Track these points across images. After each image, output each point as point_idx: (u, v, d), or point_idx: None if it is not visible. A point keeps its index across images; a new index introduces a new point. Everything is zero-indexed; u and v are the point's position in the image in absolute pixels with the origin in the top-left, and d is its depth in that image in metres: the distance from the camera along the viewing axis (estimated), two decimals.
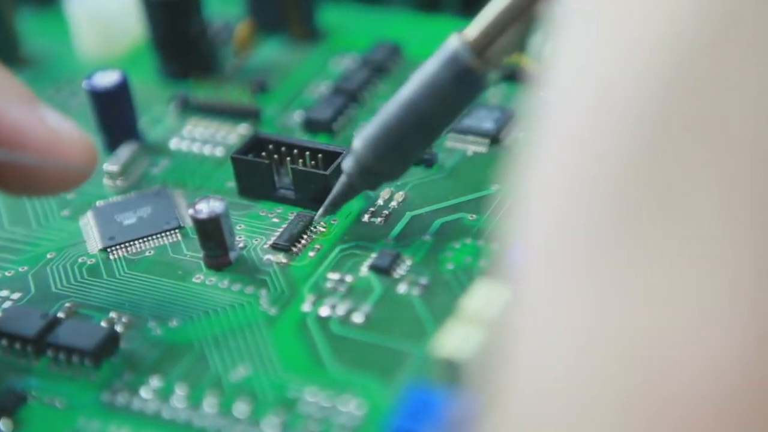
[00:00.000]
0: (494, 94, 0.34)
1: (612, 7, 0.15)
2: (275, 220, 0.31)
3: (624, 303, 0.14)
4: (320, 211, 0.29)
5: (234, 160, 0.31)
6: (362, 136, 0.28)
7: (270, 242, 0.30)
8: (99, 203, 0.32)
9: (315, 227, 0.30)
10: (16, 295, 0.29)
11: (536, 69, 0.16)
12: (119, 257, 0.30)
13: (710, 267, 0.13)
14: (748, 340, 0.13)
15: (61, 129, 0.26)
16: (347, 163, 0.28)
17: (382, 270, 0.28)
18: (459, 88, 0.27)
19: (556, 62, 0.16)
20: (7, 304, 0.28)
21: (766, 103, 0.13)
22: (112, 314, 0.28)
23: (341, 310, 0.27)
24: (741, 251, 0.13)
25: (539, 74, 0.16)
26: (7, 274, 0.30)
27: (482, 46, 0.26)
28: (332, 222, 0.30)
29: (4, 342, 0.27)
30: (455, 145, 0.32)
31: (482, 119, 0.33)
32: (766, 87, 0.13)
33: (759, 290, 0.13)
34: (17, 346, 0.27)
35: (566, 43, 0.15)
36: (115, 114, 0.34)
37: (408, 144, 0.28)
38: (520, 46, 0.26)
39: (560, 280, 0.14)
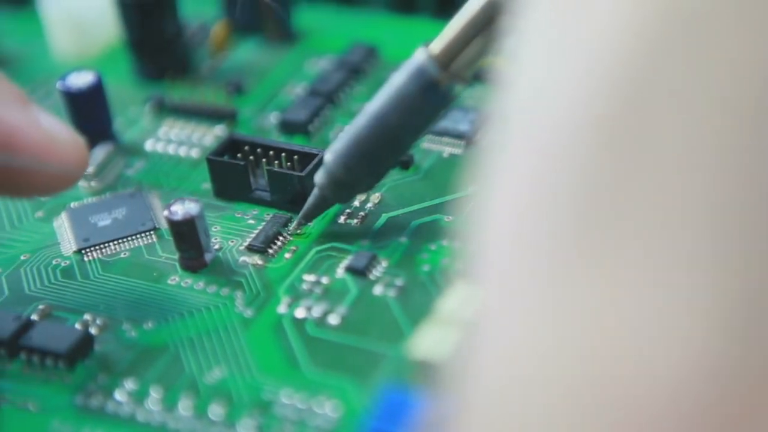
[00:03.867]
0: (470, 95, 0.34)
1: (572, 12, 0.15)
2: (251, 221, 0.30)
3: (586, 305, 0.14)
4: (294, 224, 0.30)
5: (209, 161, 0.31)
6: (333, 150, 0.28)
7: (246, 244, 0.29)
8: (73, 204, 0.32)
9: (290, 231, 0.30)
10: None
11: (503, 70, 0.16)
12: (94, 259, 0.30)
13: (674, 269, 0.13)
14: (710, 352, 0.13)
15: (55, 131, 0.26)
16: (319, 176, 0.29)
17: (358, 271, 0.28)
18: (426, 101, 0.27)
19: (516, 67, 0.16)
20: None
21: (729, 111, 0.13)
22: (87, 316, 0.28)
23: (317, 311, 0.27)
24: (704, 253, 0.13)
25: (503, 76, 0.16)
26: None
27: (447, 59, 0.27)
28: (308, 224, 0.30)
29: None
30: (431, 147, 0.32)
31: (458, 121, 0.33)
32: (731, 94, 0.13)
33: (723, 291, 0.13)
34: None
35: (527, 47, 0.16)
36: (89, 115, 0.33)
37: (378, 156, 0.28)
38: (486, 57, 0.27)
39: (522, 282, 0.15)
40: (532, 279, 0.14)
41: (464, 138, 0.32)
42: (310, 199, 0.29)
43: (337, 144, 0.28)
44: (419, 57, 0.27)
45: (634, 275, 0.13)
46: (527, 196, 0.15)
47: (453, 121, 0.33)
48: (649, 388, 0.13)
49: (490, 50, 0.26)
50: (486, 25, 0.26)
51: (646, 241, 0.13)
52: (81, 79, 0.33)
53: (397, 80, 0.27)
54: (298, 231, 0.30)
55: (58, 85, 0.33)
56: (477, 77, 0.32)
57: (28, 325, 0.27)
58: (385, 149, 0.28)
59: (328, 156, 0.28)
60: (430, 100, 0.27)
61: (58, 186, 0.27)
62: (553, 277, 0.14)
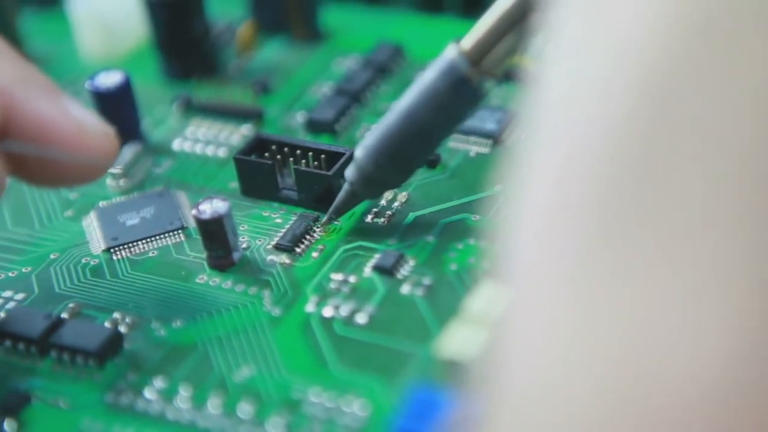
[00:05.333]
0: (496, 95, 0.34)
1: (600, 13, 0.15)
2: (278, 220, 0.31)
3: (611, 307, 0.14)
4: (324, 219, 0.30)
5: (237, 160, 0.31)
6: (363, 146, 0.28)
7: (273, 243, 0.30)
8: (102, 204, 0.32)
9: (319, 227, 0.30)
10: (19, 296, 0.29)
11: (533, 70, 0.16)
12: (122, 258, 0.30)
13: (698, 274, 0.13)
14: (737, 348, 0.13)
15: (85, 121, 0.26)
16: (349, 172, 0.29)
17: (385, 270, 0.28)
18: (456, 97, 0.27)
19: (549, 67, 0.16)
20: (10, 305, 0.28)
21: (755, 112, 0.13)
22: (116, 315, 0.28)
23: (345, 310, 0.27)
24: (728, 257, 0.13)
25: (534, 77, 0.16)
26: (10, 274, 0.30)
27: (478, 55, 0.27)
28: (335, 222, 0.30)
29: (8, 343, 0.27)
30: (458, 146, 0.32)
31: (485, 120, 0.33)
32: (757, 94, 0.13)
33: (747, 296, 0.13)
34: (21, 346, 0.27)
35: (559, 49, 0.16)
36: (118, 115, 0.33)
37: (408, 153, 0.28)
38: (516, 54, 0.26)
39: (550, 283, 0.15)
40: (561, 280, 0.14)
41: (491, 137, 0.32)
42: (341, 195, 0.29)
43: (367, 140, 0.28)
44: (450, 53, 0.27)
45: (661, 279, 0.13)
46: (557, 197, 0.15)
47: (480, 120, 0.33)
48: (674, 390, 0.13)
49: (521, 47, 0.26)
50: (518, 22, 0.26)
51: (674, 245, 0.13)
52: (109, 79, 0.33)
53: (427, 76, 0.27)
54: (328, 227, 0.30)
55: (87, 85, 0.34)
56: (505, 76, 0.32)
57: (59, 323, 0.27)
58: (415, 146, 0.28)
59: (359, 152, 0.28)
60: (460, 96, 0.27)
61: (89, 176, 0.27)
62: (583, 279, 0.14)
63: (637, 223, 0.14)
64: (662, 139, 0.14)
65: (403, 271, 0.28)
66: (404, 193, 0.31)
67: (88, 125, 0.26)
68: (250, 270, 0.29)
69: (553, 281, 0.15)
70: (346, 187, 0.29)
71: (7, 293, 0.29)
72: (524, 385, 0.15)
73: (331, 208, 0.29)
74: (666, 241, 0.13)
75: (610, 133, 0.14)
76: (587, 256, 0.14)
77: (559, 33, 0.15)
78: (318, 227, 0.30)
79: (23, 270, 0.30)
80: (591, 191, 0.14)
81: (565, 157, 0.15)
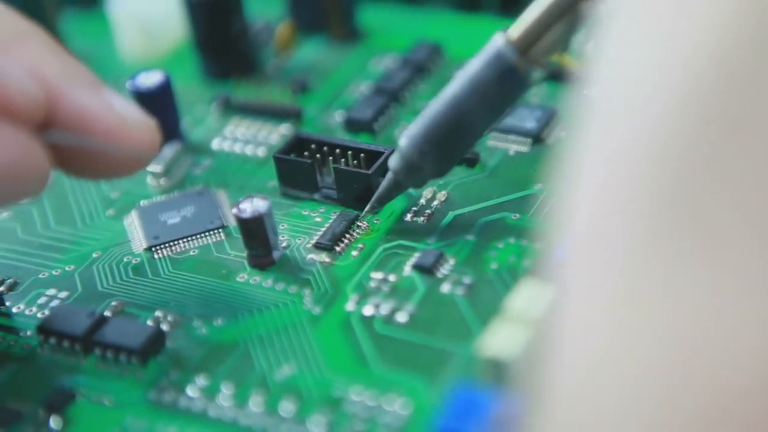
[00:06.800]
0: (536, 93, 0.34)
1: (655, 11, 0.15)
2: (318, 219, 0.31)
3: (663, 304, 0.14)
4: (366, 207, 0.30)
5: (276, 159, 0.31)
6: (408, 134, 0.28)
7: (313, 241, 0.30)
8: (143, 203, 0.32)
9: (360, 224, 0.30)
10: (63, 294, 0.29)
11: (579, 68, 0.16)
12: (164, 256, 0.30)
13: (746, 277, 0.13)
14: None
15: (127, 113, 0.26)
16: (393, 161, 0.29)
17: (425, 269, 0.28)
18: (503, 86, 0.27)
19: (599, 63, 0.16)
20: (54, 303, 0.29)
21: None
22: (158, 313, 0.28)
23: (385, 309, 0.27)
24: None
25: (583, 74, 0.16)
26: (54, 273, 0.30)
27: (526, 44, 0.26)
28: (375, 222, 0.30)
29: (53, 340, 0.27)
30: (497, 145, 0.32)
31: (524, 118, 0.33)
32: None
33: None
34: (65, 344, 0.27)
35: (609, 44, 0.15)
36: (158, 114, 0.33)
37: (453, 142, 0.28)
38: (564, 44, 0.26)
39: (601, 281, 0.14)
40: (609, 279, 0.14)
41: (530, 136, 0.32)
42: (384, 183, 0.29)
43: (412, 128, 0.28)
44: (497, 42, 0.27)
45: (709, 281, 0.13)
46: (607, 196, 0.15)
47: (519, 118, 0.32)
48: (729, 377, 0.13)
49: (570, 37, 0.26)
50: (567, 10, 0.25)
51: (724, 247, 0.13)
52: (150, 79, 0.34)
53: (474, 65, 0.27)
54: (367, 220, 0.30)
55: (128, 85, 0.34)
56: (548, 75, 0.32)
57: (102, 321, 0.27)
58: (460, 134, 0.28)
59: (403, 140, 0.28)
60: (506, 85, 0.27)
61: (131, 168, 0.27)
62: (631, 279, 0.14)
63: (687, 222, 0.14)
64: (714, 138, 0.14)
65: (443, 269, 0.28)
66: (443, 192, 0.31)
67: (130, 117, 0.26)
68: (290, 269, 0.29)
69: (601, 280, 0.14)
70: (389, 175, 0.29)
71: (51, 291, 0.29)
72: (570, 384, 0.15)
73: (374, 197, 0.30)
74: (716, 242, 0.13)
75: (660, 133, 0.14)
76: (636, 256, 0.14)
77: (611, 26, 0.15)
78: (359, 223, 0.30)
79: (66, 268, 0.30)
80: (641, 190, 0.14)
81: (615, 154, 0.15)
